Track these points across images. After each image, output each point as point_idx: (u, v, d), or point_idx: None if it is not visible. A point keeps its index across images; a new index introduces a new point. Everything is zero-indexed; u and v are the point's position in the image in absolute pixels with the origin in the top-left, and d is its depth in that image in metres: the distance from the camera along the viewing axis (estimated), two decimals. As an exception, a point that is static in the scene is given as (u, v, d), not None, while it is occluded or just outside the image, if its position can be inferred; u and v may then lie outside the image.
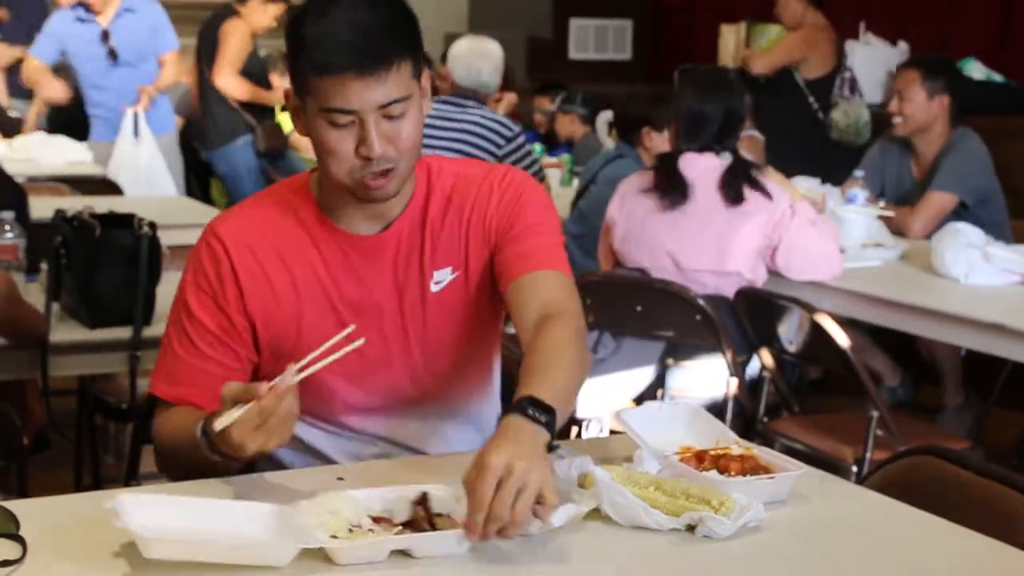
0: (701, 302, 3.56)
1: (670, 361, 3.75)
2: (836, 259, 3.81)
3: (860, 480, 2.14)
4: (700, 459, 1.88)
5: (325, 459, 2.05)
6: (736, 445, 1.93)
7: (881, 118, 6.06)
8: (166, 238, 3.31)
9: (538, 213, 2.02)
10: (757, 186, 3.65)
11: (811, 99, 5.99)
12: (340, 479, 1.86)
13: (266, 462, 1.99)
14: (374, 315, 1.98)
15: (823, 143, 5.96)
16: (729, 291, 3.68)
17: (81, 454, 3.78)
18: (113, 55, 6.32)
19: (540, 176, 4.96)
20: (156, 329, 3.13)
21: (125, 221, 3.16)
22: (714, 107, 3.70)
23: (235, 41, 6.66)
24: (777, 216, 3.66)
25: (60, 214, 3.18)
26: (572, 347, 1.84)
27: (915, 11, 7.52)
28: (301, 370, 1.73)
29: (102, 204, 3.55)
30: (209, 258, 1.98)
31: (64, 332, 3.07)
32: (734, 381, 3.61)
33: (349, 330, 1.79)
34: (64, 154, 6.69)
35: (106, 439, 4.25)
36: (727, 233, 3.64)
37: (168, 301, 3.15)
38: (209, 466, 1.83)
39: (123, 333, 3.09)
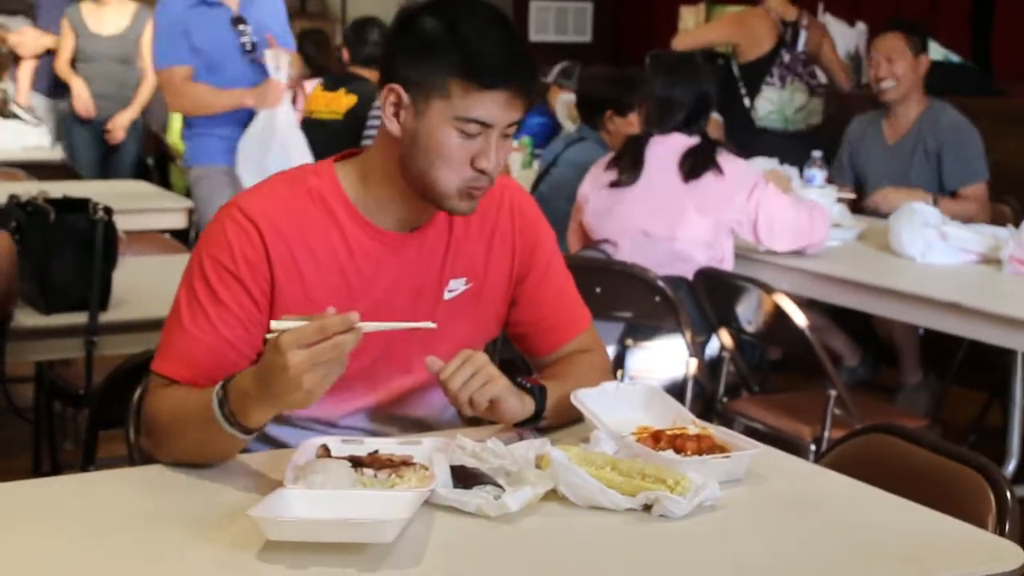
0: (660, 283, 3.58)
1: (629, 342, 3.77)
2: (819, 224, 3.82)
3: (817, 459, 2.15)
4: (657, 439, 1.88)
5: None
6: (693, 425, 1.94)
7: (842, 99, 6.08)
8: (122, 223, 3.28)
9: (548, 239, 2.15)
10: (718, 166, 3.68)
11: (740, 84, 5.91)
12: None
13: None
14: (385, 312, 1.96)
15: (752, 130, 5.86)
16: (694, 262, 3.69)
17: (39, 440, 3.76)
18: (251, 48, 4.63)
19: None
20: (112, 314, 3.11)
21: (80, 206, 3.14)
22: (684, 92, 3.75)
23: None
24: (747, 187, 3.67)
25: (14, 199, 3.16)
26: (591, 372, 2.09)
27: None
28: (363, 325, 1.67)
29: (58, 189, 3.52)
30: (239, 237, 1.89)
31: (20, 318, 3.04)
32: (693, 361, 3.62)
33: (429, 325, 1.80)
34: (21, 139, 6.64)
35: (64, 425, 4.23)
36: (692, 203, 3.67)
37: (125, 287, 3.18)
38: (211, 442, 1.78)
39: (79, 319, 3.07)
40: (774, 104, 5.77)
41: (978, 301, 3.38)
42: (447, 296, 2.02)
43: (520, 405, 1.95)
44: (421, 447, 1.83)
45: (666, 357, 3.72)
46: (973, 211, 4.45)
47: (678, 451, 1.85)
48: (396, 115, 1.90)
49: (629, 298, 3.64)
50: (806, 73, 5.84)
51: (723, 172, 3.68)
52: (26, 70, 6.84)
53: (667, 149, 3.75)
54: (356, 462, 1.75)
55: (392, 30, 1.92)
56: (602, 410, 1.96)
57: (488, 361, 1.91)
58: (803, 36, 5.81)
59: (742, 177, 3.70)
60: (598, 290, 3.58)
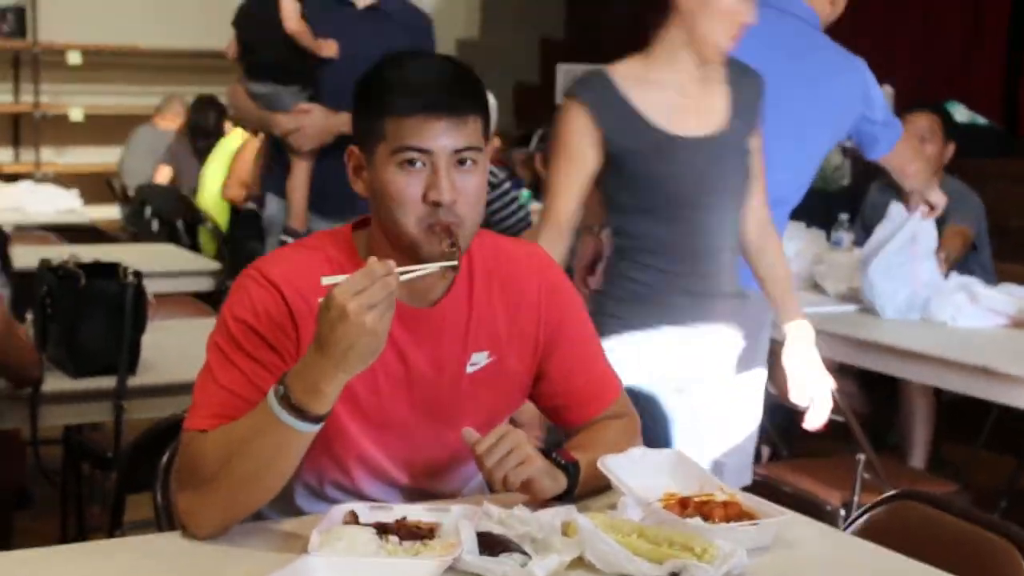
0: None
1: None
2: None
3: (846, 526, 2.13)
4: (684, 505, 1.87)
5: None
6: (720, 491, 1.93)
7: (864, 160, 6.07)
8: (153, 286, 3.30)
9: (576, 307, 2.13)
10: None
11: None
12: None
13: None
14: (405, 385, 1.97)
15: None
16: None
17: (67, 503, 3.76)
18: None
19: (527, 223, 4.96)
20: (141, 378, 3.13)
21: (110, 270, 3.16)
22: None
23: None
24: None
25: (45, 263, 3.18)
26: (621, 438, 2.08)
27: (899, 55, 7.58)
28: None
29: (88, 253, 3.55)
30: (263, 299, 1.89)
31: (49, 382, 3.05)
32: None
33: (453, 263, 1.86)
34: (52, 202, 6.71)
35: (91, 488, 4.24)
36: None
37: (153, 350, 3.20)
38: (275, 455, 1.76)
39: (108, 382, 3.08)
40: None
41: (1008, 365, 3.36)
42: (470, 370, 2.00)
43: (553, 484, 1.94)
44: (449, 514, 1.82)
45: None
46: (956, 247, 4.49)
47: (705, 518, 1.84)
48: (359, 176, 1.93)
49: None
50: None
51: None
52: (304, 175, 4.15)
53: None
54: (382, 529, 1.74)
55: None
56: (629, 476, 1.95)
57: (524, 439, 1.90)
58: None
59: None
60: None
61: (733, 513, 1.85)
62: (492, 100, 4.77)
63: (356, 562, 1.64)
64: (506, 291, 2.04)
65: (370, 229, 1.97)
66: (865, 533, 1.97)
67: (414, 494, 2.02)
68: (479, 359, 2.01)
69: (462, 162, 1.87)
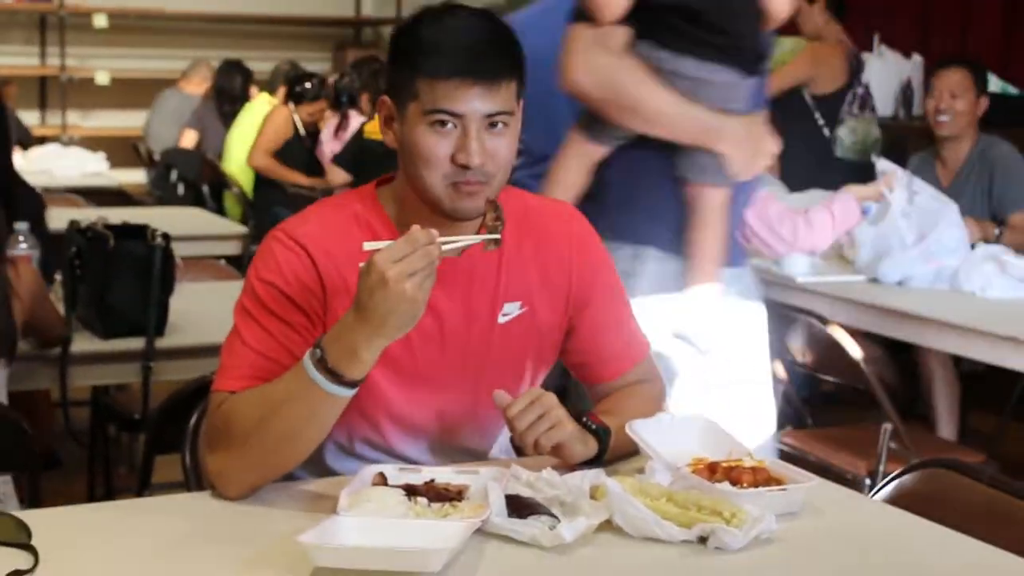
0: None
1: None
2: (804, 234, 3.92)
3: (873, 493, 2.13)
4: (712, 471, 1.87)
5: None
6: (748, 457, 1.93)
7: (895, 130, 6.04)
8: (180, 249, 3.32)
9: (608, 268, 2.13)
10: None
11: (817, 115, 5.90)
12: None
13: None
14: (438, 339, 1.97)
15: (829, 160, 5.86)
16: None
17: (94, 464, 3.79)
18: None
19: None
20: (169, 340, 3.14)
21: (139, 232, 3.17)
22: None
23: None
24: None
25: (74, 225, 3.20)
26: (650, 403, 2.08)
27: (930, 24, 7.51)
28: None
29: (116, 215, 3.56)
30: (289, 260, 1.90)
31: (78, 342, 3.08)
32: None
33: (495, 236, 1.85)
34: (79, 165, 6.73)
35: (119, 449, 4.27)
36: None
37: (181, 313, 3.21)
38: (309, 417, 1.77)
39: (136, 344, 3.10)
40: (858, 135, 5.73)
41: (1037, 335, 3.34)
42: (501, 320, 2.01)
43: (584, 448, 1.94)
44: (477, 476, 1.83)
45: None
46: (1022, 240, 4.44)
47: (734, 483, 1.84)
48: (390, 127, 1.93)
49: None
50: (871, 104, 5.84)
51: None
52: (722, 216, 2.61)
53: None
54: (411, 491, 1.75)
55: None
56: (657, 441, 1.95)
57: (556, 403, 1.90)
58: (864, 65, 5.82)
59: None
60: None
61: (761, 478, 1.85)
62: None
63: (385, 523, 1.65)
64: (537, 243, 2.04)
65: (394, 184, 1.98)
66: (892, 500, 1.97)
67: (444, 450, 2.03)
68: (511, 309, 2.01)
69: (493, 125, 1.87)
